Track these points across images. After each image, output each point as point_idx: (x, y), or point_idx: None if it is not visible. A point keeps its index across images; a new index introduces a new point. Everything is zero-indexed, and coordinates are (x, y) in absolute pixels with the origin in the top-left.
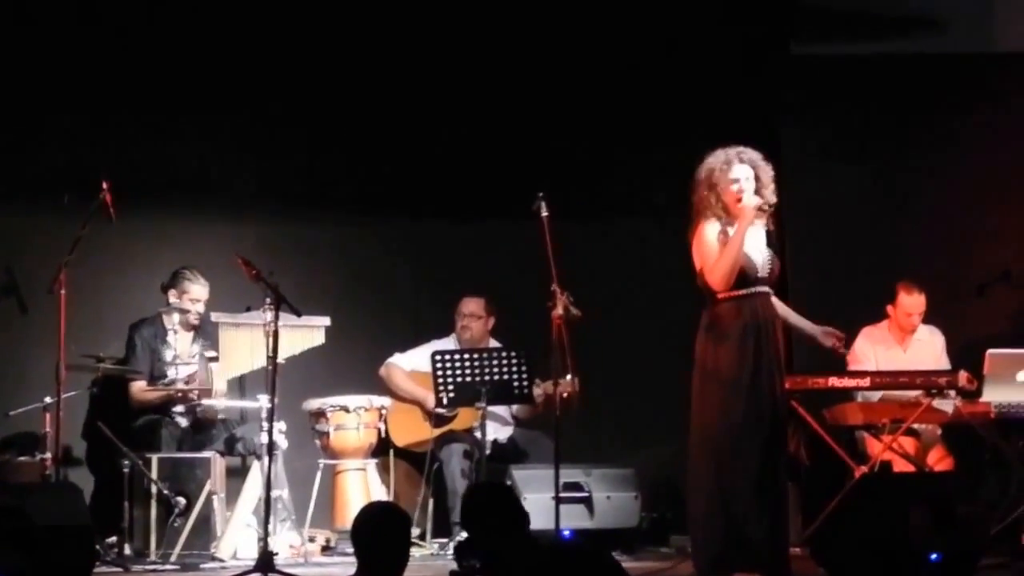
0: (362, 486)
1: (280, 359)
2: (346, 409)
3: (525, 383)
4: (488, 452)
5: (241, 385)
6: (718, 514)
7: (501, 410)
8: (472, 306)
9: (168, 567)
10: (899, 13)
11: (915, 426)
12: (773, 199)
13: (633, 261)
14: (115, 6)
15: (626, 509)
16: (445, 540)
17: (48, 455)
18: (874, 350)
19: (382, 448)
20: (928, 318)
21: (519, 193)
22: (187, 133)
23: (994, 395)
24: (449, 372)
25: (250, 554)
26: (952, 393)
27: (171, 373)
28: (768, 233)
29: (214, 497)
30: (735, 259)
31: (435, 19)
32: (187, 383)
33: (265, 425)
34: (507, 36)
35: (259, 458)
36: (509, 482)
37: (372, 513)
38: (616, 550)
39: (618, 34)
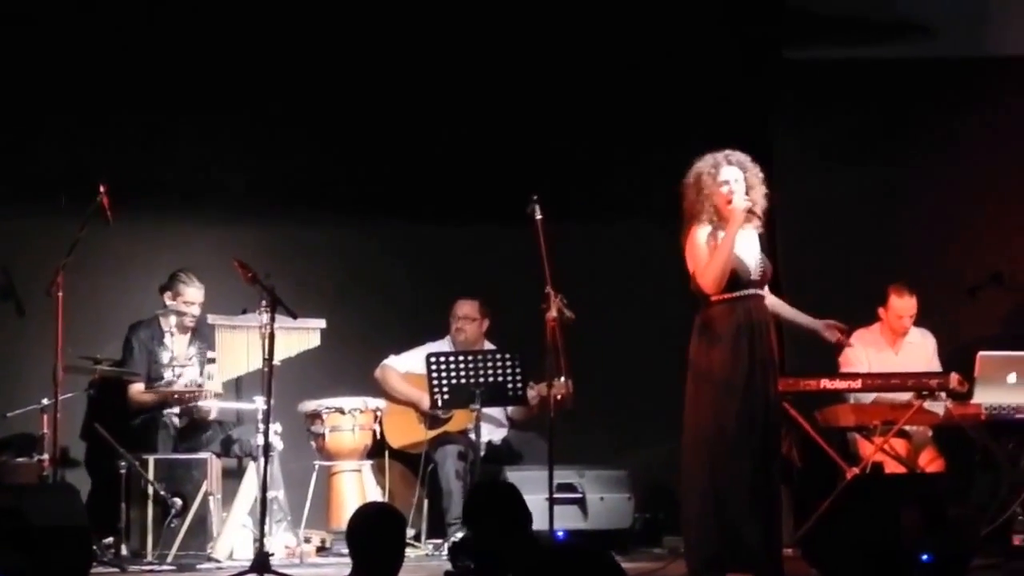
0: (357, 487)
1: (276, 361)
2: (342, 411)
3: (519, 385)
4: (483, 453)
5: (237, 387)
6: (711, 515)
7: (495, 412)
8: (466, 308)
9: (164, 567)
10: (892, 18)
11: (906, 428)
12: (763, 201)
13: (627, 264)
14: (113, 10)
15: (619, 510)
16: (440, 541)
17: (45, 456)
18: (866, 352)
19: (377, 450)
20: (920, 320)
21: (514, 196)
22: (184, 136)
23: (985, 397)
24: (444, 374)
25: (246, 555)
26: (943, 395)
27: (167, 375)
28: (759, 236)
29: (210, 498)
30: (726, 261)
31: (432, 23)
32: (187, 386)
33: (261, 426)
34: (504, 40)
35: (255, 459)
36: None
37: (367, 514)
38: (609, 551)
39: (614, 38)
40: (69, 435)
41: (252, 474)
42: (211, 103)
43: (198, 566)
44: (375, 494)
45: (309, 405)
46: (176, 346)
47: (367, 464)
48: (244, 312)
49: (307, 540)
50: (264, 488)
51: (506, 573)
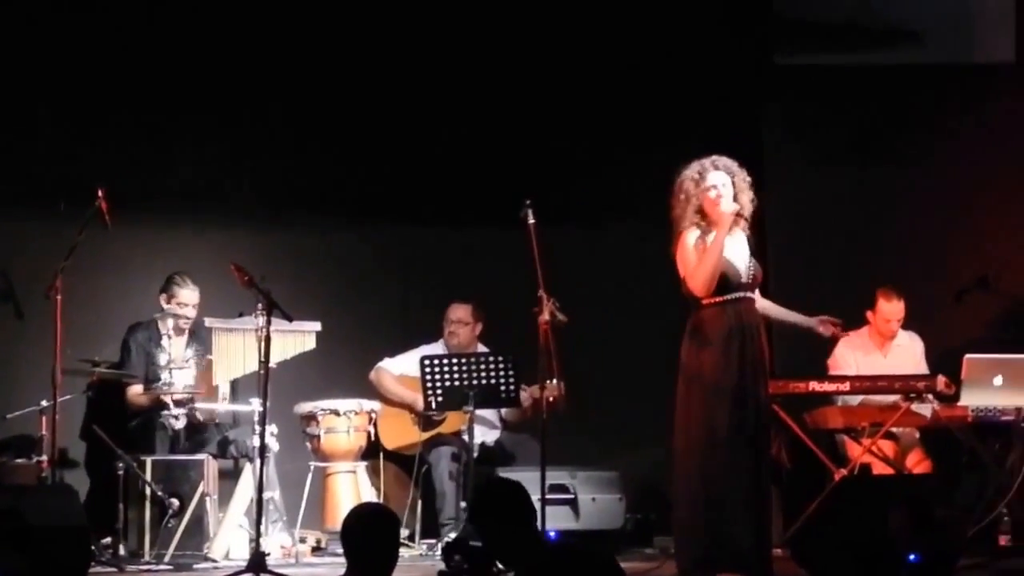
0: (352, 488)
1: (272, 363)
2: (337, 413)
3: (512, 387)
4: (476, 455)
5: (234, 389)
6: (702, 515)
7: (489, 414)
8: (459, 312)
9: (162, 567)
10: (880, 25)
11: (894, 429)
12: (750, 205)
13: (618, 268)
14: (112, 16)
15: (611, 511)
16: (433, 541)
17: (44, 457)
18: (854, 355)
19: (372, 451)
20: (907, 323)
21: (507, 200)
22: (182, 141)
23: (971, 399)
24: (438, 376)
25: (242, 554)
26: (930, 397)
27: (165, 377)
28: (748, 239)
29: (207, 499)
30: (715, 264)
31: (428, 29)
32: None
33: (257, 428)
34: (497, 46)
35: (251, 460)
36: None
37: (362, 514)
38: (611, 552)
39: (607, 45)
40: (67, 436)
41: (248, 475)
42: (209, 108)
43: (195, 566)
44: (370, 495)
45: (305, 407)
46: (173, 348)
47: (362, 465)
48: (241, 315)
49: (302, 540)
50: (260, 489)
51: (508, 571)
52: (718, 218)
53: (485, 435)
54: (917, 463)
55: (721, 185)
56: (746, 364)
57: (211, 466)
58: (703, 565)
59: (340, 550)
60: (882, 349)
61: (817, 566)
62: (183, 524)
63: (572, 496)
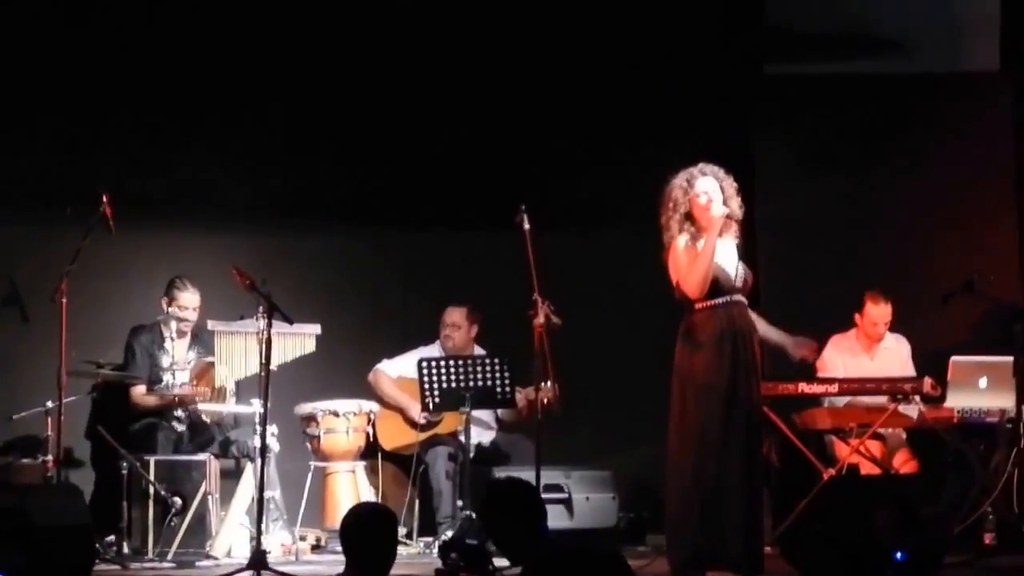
0: (351, 487)
1: (273, 365)
2: (336, 414)
3: (508, 389)
4: (472, 455)
5: (236, 390)
6: (695, 514)
7: (485, 415)
8: (455, 316)
9: (165, 565)
10: (868, 35)
11: (881, 430)
12: (739, 211)
13: (612, 271)
14: (115, 25)
15: (604, 509)
16: (431, 539)
17: (50, 457)
18: (842, 358)
19: (370, 451)
20: (894, 326)
21: (502, 205)
22: (183, 147)
23: (957, 401)
24: (435, 378)
25: (243, 552)
26: (917, 398)
27: (167, 379)
28: (737, 245)
29: (209, 498)
30: (707, 266)
31: (425, 37)
32: (185, 389)
33: (258, 429)
34: (495, 54)
35: (252, 460)
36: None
37: (361, 513)
38: (620, 552)
39: (600, 54)
40: (72, 437)
41: (249, 474)
42: (210, 114)
43: (197, 563)
44: (368, 494)
45: (305, 408)
46: (176, 351)
47: (360, 465)
48: (242, 318)
49: (302, 538)
50: (261, 488)
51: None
52: (708, 222)
53: (481, 435)
54: (904, 463)
55: (712, 191)
56: (738, 366)
57: (213, 466)
58: (694, 562)
59: (339, 548)
60: (869, 351)
61: (806, 564)
62: (186, 522)
63: (566, 495)
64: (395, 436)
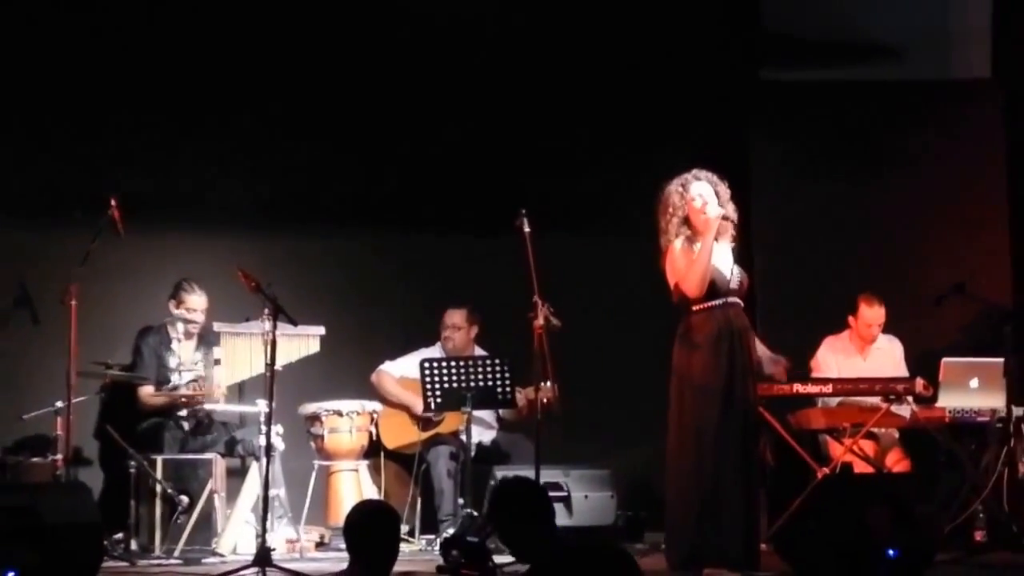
0: (354, 486)
1: (278, 366)
2: (339, 413)
3: (508, 389)
4: (473, 454)
5: (241, 390)
6: (692, 512)
7: (486, 414)
8: (455, 318)
9: (172, 562)
10: (862, 42)
11: (874, 430)
12: (733, 215)
13: (611, 274)
14: (120, 32)
15: (603, 508)
16: (432, 536)
17: (59, 456)
18: (836, 358)
19: (373, 450)
20: (887, 328)
21: (503, 209)
22: (190, 153)
23: (948, 401)
24: (437, 378)
25: (249, 549)
26: (909, 399)
27: (174, 379)
28: (732, 249)
29: (215, 496)
30: (706, 265)
31: (426, 41)
32: (192, 389)
33: (263, 428)
34: (492, 61)
35: (258, 459)
36: (492, 482)
37: (364, 511)
38: (626, 549)
39: (601, 62)
40: (82, 436)
41: (255, 473)
42: (215, 120)
43: (203, 560)
44: (371, 492)
45: (309, 408)
46: (183, 351)
47: (364, 464)
48: (247, 320)
49: (307, 536)
50: (266, 486)
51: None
52: (704, 225)
53: (482, 435)
54: (896, 462)
55: (706, 194)
56: (735, 366)
57: (219, 465)
58: (692, 560)
59: (343, 545)
60: (862, 352)
61: (800, 561)
62: (192, 520)
63: (566, 494)
64: (397, 435)
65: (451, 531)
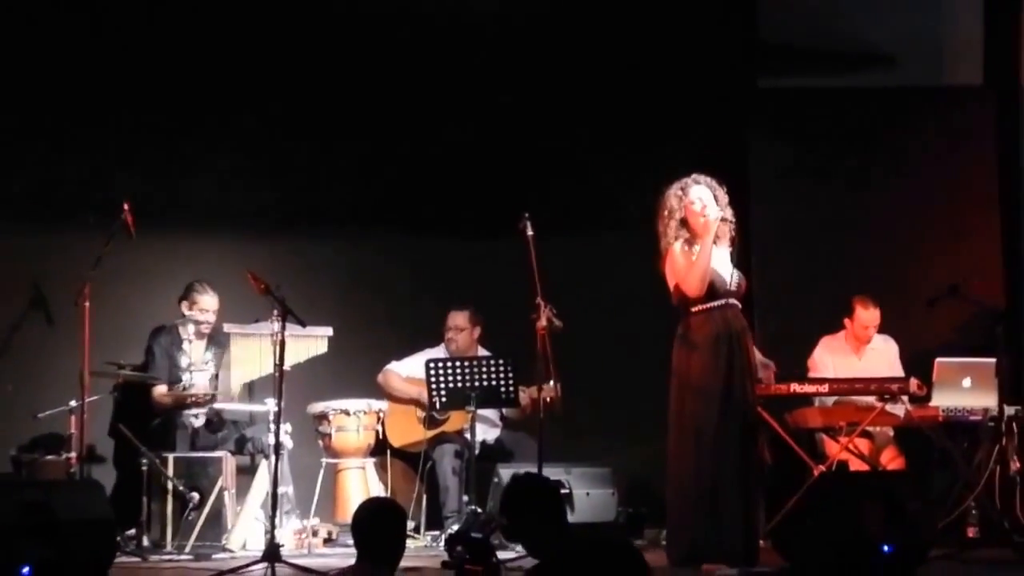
0: (361, 483)
1: (286, 366)
2: (347, 412)
3: (511, 388)
4: (477, 452)
5: (250, 390)
6: (693, 509)
7: (490, 413)
8: (458, 319)
9: (183, 557)
10: (857, 50)
11: (869, 428)
12: (731, 219)
13: (611, 276)
14: (134, 41)
15: (604, 505)
16: (437, 532)
17: (73, 454)
18: (832, 359)
19: (380, 448)
20: (882, 328)
21: (507, 213)
22: (200, 158)
23: (942, 400)
24: (442, 378)
25: (258, 545)
26: (904, 398)
27: (185, 379)
28: (731, 252)
29: (225, 493)
30: (706, 265)
31: (427, 43)
32: (203, 389)
33: (272, 427)
34: (497, 65)
35: (267, 457)
36: (496, 479)
37: (371, 508)
38: (633, 544)
39: (604, 69)
40: (94, 434)
41: (264, 471)
42: (224, 126)
43: (214, 556)
44: (378, 489)
45: (317, 407)
46: (194, 352)
47: (370, 461)
48: (257, 321)
49: (315, 532)
50: (275, 483)
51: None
52: (703, 228)
53: (486, 433)
54: (891, 460)
55: (704, 198)
56: (733, 367)
57: (229, 462)
58: (692, 556)
59: (350, 541)
60: (858, 352)
61: (797, 556)
62: (203, 517)
63: (567, 491)
64: (403, 434)
65: (456, 527)
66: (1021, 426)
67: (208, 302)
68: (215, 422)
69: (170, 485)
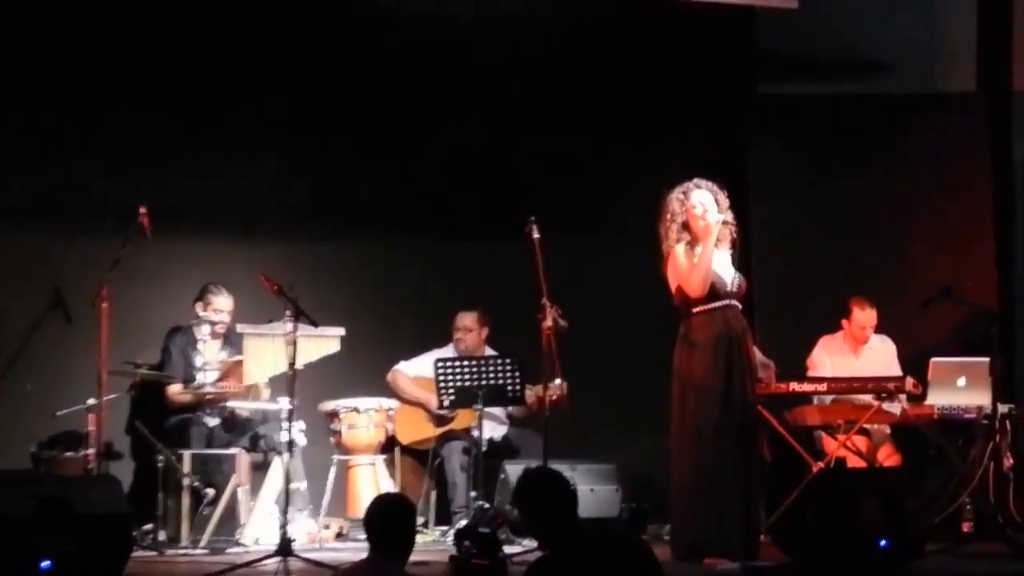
0: (372, 479)
1: (299, 365)
2: (358, 410)
3: (518, 387)
4: (484, 449)
5: (267, 384)
6: (695, 506)
7: (497, 411)
8: (466, 320)
9: (198, 551)
10: (854, 58)
11: (867, 426)
12: (733, 221)
13: (616, 277)
14: (153, 49)
15: (608, 501)
16: (446, 527)
17: (91, 451)
18: (830, 358)
19: (389, 445)
20: (879, 329)
21: (513, 216)
22: (214, 163)
23: (937, 399)
24: (450, 377)
25: (271, 540)
26: (900, 397)
27: (200, 378)
28: (732, 255)
29: (239, 489)
30: (707, 267)
31: (432, 48)
32: (218, 387)
33: (285, 424)
34: (502, 68)
35: (280, 454)
36: (503, 475)
37: (382, 503)
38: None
39: (608, 76)
40: (111, 432)
41: (277, 467)
42: (237, 133)
43: (228, 550)
44: (388, 485)
45: (328, 405)
46: (208, 352)
47: (381, 458)
48: (270, 321)
49: (327, 527)
50: (288, 480)
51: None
52: (704, 231)
53: (493, 431)
54: (888, 457)
55: (706, 201)
56: (733, 367)
57: (243, 459)
58: (695, 551)
59: (362, 536)
60: (856, 352)
61: (797, 551)
62: (217, 512)
63: (572, 487)
64: (412, 431)
65: (464, 522)
66: (1014, 424)
67: (223, 303)
68: (230, 420)
69: (185, 481)
